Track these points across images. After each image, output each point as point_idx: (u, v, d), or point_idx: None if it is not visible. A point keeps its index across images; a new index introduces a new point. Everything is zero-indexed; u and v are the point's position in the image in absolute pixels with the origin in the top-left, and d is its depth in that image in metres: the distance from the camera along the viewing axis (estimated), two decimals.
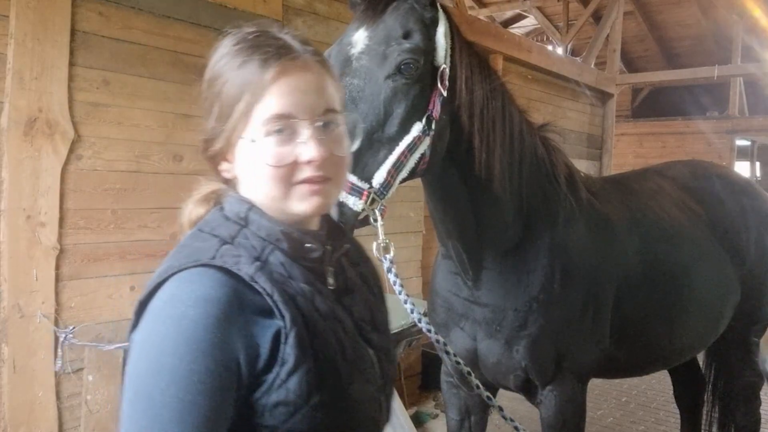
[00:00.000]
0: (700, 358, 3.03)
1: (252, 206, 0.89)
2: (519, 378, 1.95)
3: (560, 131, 2.15)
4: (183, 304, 0.75)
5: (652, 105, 12.00)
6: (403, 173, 1.54)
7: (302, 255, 0.89)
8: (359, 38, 1.57)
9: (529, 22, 11.73)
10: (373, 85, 1.52)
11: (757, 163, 11.49)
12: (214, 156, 0.92)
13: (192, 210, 0.96)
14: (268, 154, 0.85)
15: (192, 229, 0.92)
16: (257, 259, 0.84)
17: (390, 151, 1.51)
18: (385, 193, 1.49)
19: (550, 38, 11.06)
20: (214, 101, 0.89)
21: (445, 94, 1.62)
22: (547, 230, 1.95)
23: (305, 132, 0.85)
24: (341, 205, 1.42)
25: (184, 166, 3.01)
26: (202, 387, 0.72)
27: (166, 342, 0.74)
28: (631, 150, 10.90)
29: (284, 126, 0.85)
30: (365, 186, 1.45)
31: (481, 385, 1.75)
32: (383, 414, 0.95)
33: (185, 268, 0.80)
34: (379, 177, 1.48)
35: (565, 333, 1.93)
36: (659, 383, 4.80)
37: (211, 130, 0.90)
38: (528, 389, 2.01)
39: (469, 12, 7.56)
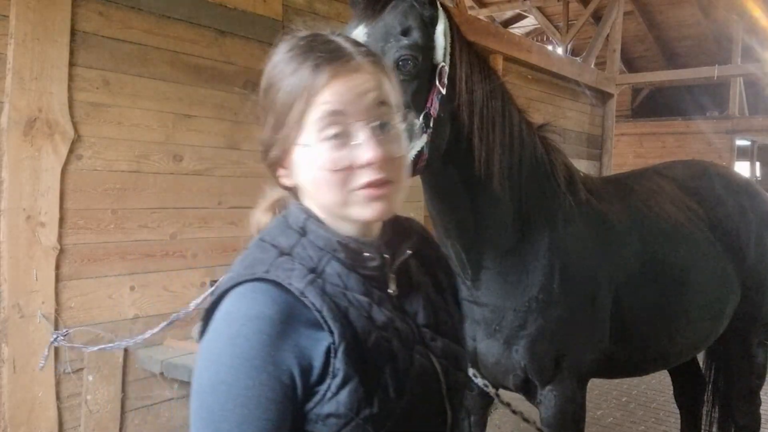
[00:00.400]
0: (701, 357, 3.03)
1: (309, 216, 0.89)
2: (518, 378, 1.95)
3: (560, 131, 2.16)
4: (237, 322, 0.79)
5: (652, 105, 12.00)
6: None
7: (360, 264, 0.88)
8: (358, 35, 1.57)
9: (529, 22, 11.73)
10: None
11: (757, 163, 11.49)
12: (272, 164, 0.92)
13: (260, 218, 0.97)
14: (323, 158, 0.83)
15: (256, 237, 0.92)
16: (313, 270, 0.84)
17: None
18: None
19: (550, 38, 11.05)
20: (269, 110, 0.88)
21: (443, 92, 1.62)
22: (546, 230, 1.95)
23: (361, 133, 0.83)
24: None
25: (184, 166, 3.01)
26: (258, 401, 0.76)
27: (222, 359, 0.78)
28: (631, 150, 10.89)
29: (339, 129, 0.83)
30: None
31: (477, 373, 1.75)
32: (448, 425, 0.93)
33: (242, 282, 0.82)
34: None
35: (564, 333, 1.93)
36: (659, 383, 4.80)
37: (268, 138, 0.89)
38: (527, 389, 2.01)
39: (469, 12, 7.56)
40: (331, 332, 0.80)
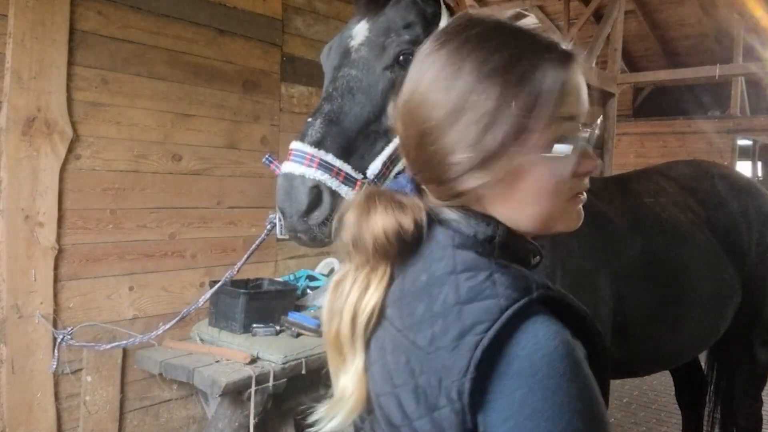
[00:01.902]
0: (702, 358, 3.02)
1: (500, 225, 0.78)
2: None
3: None
4: (566, 356, 0.66)
5: (654, 104, 11.98)
6: (400, 166, 1.53)
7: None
8: (360, 30, 1.57)
9: (530, 21, 11.72)
10: (371, 75, 1.52)
11: (759, 163, 11.47)
12: (486, 180, 0.75)
13: (402, 221, 0.78)
14: (556, 168, 0.75)
15: (451, 250, 0.76)
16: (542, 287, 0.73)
17: (387, 143, 1.50)
18: (378, 183, 1.48)
19: None
20: (490, 114, 0.73)
21: None
22: None
23: (584, 138, 0.78)
24: (334, 195, 1.42)
25: (183, 166, 3.00)
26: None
27: (568, 379, 0.65)
28: (632, 149, 10.88)
29: (572, 135, 0.76)
30: (359, 176, 1.45)
31: None
32: None
33: (525, 306, 0.68)
34: (373, 168, 1.48)
35: None
36: (661, 384, 4.79)
37: (500, 145, 0.73)
38: None
39: (470, 10, 7.54)
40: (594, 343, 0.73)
